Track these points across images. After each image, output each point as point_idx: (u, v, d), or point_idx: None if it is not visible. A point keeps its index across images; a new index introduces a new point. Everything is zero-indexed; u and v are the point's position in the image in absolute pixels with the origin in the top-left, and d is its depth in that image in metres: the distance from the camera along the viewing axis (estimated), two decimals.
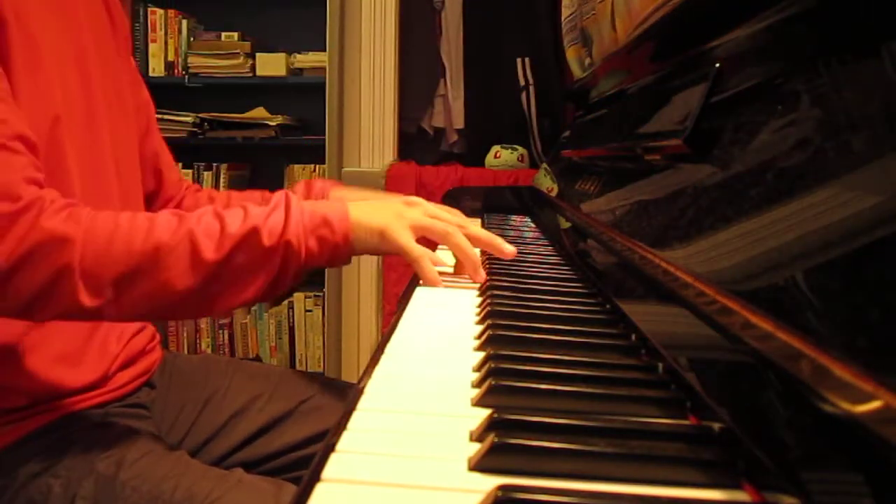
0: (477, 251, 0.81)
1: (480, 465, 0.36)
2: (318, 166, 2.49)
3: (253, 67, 2.50)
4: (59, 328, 0.77)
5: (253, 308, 2.56)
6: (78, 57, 0.80)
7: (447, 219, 0.80)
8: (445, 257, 0.84)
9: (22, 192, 0.63)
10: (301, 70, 2.48)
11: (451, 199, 1.68)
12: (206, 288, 0.68)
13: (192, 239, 0.67)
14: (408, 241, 0.75)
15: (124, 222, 0.67)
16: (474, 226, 0.82)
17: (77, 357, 0.79)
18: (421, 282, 0.77)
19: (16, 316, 0.67)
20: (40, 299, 0.64)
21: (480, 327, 0.62)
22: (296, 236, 0.70)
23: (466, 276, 0.81)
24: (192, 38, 2.55)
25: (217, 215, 0.70)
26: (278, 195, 0.74)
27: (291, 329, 2.54)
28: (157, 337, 0.96)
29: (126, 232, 0.66)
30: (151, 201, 1.04)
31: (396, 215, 0.76)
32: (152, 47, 2.53)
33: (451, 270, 0.82)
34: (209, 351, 2.58)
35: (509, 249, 0.83)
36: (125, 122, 0.90)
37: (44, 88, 0.73)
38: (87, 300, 0.64)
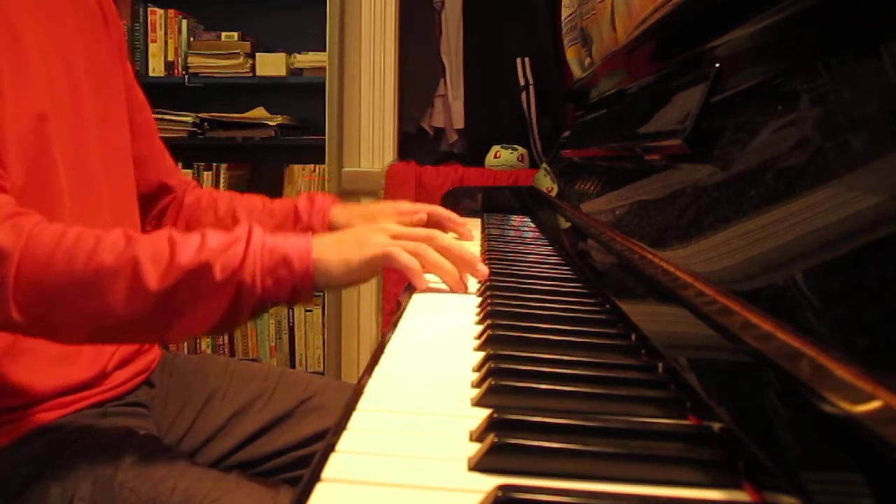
0: (476, 248, 0.79)
1: (480, 465, 0.36)
2: (318, 166, 2.49)
3: (253, 67, 2.50)
4: None
5: None
6: (64, 55, 0.80)
7: (413, 235, 0.76)
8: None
9: None
10: (301, 70, 2.48)
11: (451, 198, 1.68)
12: (150, 316, 0.65)
13: (136, 265, 0.64)
14: (374, 252, 0.72)
15: (69, 239, 0.64)
16: (444, 237, 0.78)
17: (73, 355, 0.79)
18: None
19: None
20: None
21: (480, 327, 0.62)
22: (251, 275, 0.66)
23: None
24: (192, 38, 2.54)
25: (170, 241, 0.66)
26: (241, 228, 0.70)
27: (291, 329, 2.54)
28: None
29: (69, 249, 0.63)
30: (154, 202, 1.04)
31: (358, 242, 0.73)
32: (152, 47, 2.52)
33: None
34: (209, 351, 2.57)
35: (483, 270, 0.78)
36: (114, 122, 0.90)
37: (29, 86, 0.73)
38: (18, 316, 0.62)
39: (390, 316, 1.19)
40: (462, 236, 1.06)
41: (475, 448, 0.38)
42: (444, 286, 0.77)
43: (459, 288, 0.76)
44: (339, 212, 1.03)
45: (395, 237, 0.75)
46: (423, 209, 1.06)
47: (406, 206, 1.06)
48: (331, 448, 0.38)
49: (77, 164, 0.80)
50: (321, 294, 2.43)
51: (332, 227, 0.98)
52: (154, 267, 0.64)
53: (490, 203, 1.66)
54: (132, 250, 0.65)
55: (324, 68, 2.26)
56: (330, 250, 0.71)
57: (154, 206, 1.04)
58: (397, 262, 0.72)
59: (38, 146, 0.73)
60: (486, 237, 1.14)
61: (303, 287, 0.69)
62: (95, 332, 0.67)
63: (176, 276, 0.64)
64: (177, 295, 0.65)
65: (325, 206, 1.03)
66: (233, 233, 0.69)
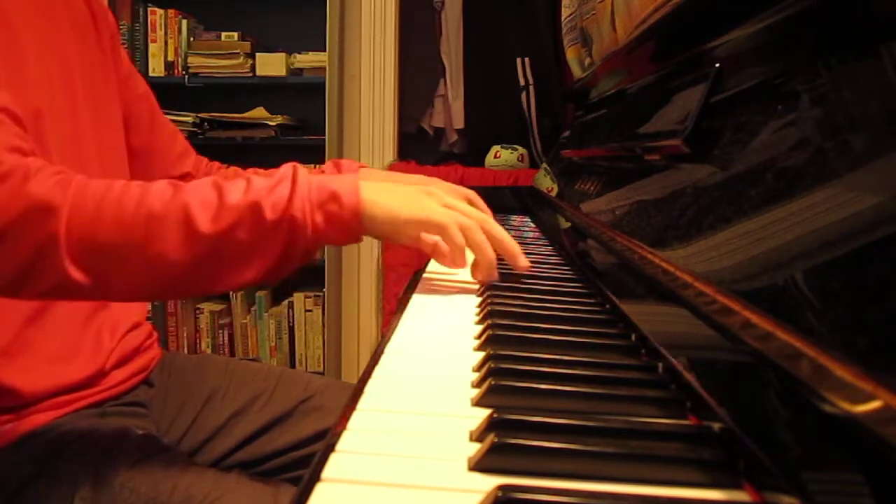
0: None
1: (480, 465, 0.36)
2: (318, 166, 2.49)
3: (253, 67, 2.50)
4: (52, 325, 0.77)
5: (252, 308, 2.57)
6: (59, 55, 0.80)
7: (467, 212, 0.74)
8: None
9: (3, 158, 0.60)
10: (301, 70, 2.48)
11: None
12: (204, 263, 0.63)
13: (186, 210, 0.62)
14: (429, 216, 0.70)
15: (116, 190, 0.63)
16: (495, 224, 0.75)
17: (71, 353, 0.79)
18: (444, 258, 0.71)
19: (2, 293, 0.63)
20: (26, 273, 0.60)
21: (480, 327, 0.62)
22: (301, 211, 0.65)
23: (472, 277, 0.77)
24: (192, 38, 2.55)
25: (216, 186, 0.65)
26: (285, 167, 0.69)
27: (291, 329, 2.54)
28: (154, 334, 0.96)
29: (116, 200, 0.62)
30: None
31: (411, 203, 0.71)
32: (152, 47, 2.53)
33: (452, 272, 0.82)
34: (209, 351, 2.57)
35: (524, 263, 0.76)
36: (108, 119, 0.90)
37: (25, 82, 0.73)
38: (75, 274, 0.60)
39: (390, 316, 1.19)
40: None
41: (475, 448, 0.38)
42: (444, 285, 0.77)
43: (492, 275, 0.75)
44: (366, 175, 1.02)
45: (449, 207, 0.73)
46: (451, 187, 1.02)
47: (432, 188, 1.05)
48: (331, 448, 0.38)
49: (73, 161, 0.80)
50: (321, 294, 2.43)
51: None
52: (204, 210, 0.63)
53: (490, 203, 1.65)
54: (181, 197, 0.63)
55: (324, 68, 2.26)
56: (379, 195, 0.69)
57: None
58: (449, 237, 0.70)
59: (36, 143, 0.73)
60: None
61: (352, 225, 0.67)
62: (151, 283, 0.65)
63: (227, 218, 0.63)
64: (230, 237, 0.63)
65: (351, 170, 1.02)
66: (278, 173, 0.68)
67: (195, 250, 0.62)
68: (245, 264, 0.65)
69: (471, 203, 1.01)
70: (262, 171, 1.05)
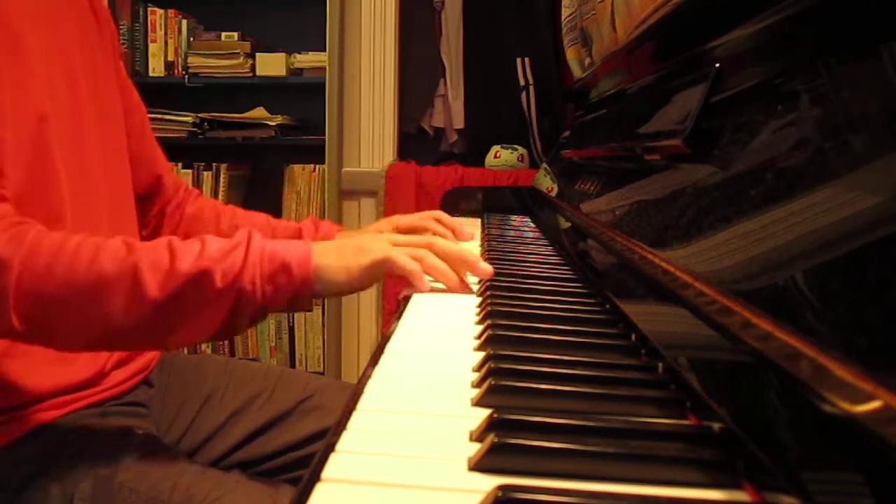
0: (476, 248, 0.79)
1: (480, 465, 0.36)
2: (318, 166, 2.49)
3: (253, 67, 2.50)
4: None
5: None
6: (64, 59, 0.80)
7: (413, 242, 0.76)
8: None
9: None
10: (301, 70, 2.48)
11: (451, 198, 1.68)
12: (150, 325, 0.65)
13: (136, 272, 0.64)
14: (374, 258, 0.71)
15: (69, 248, 0.64)
16: (443, 242, 0.77)
17: (71, 355, 0.79)
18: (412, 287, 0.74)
19: None
20: None
21: (480, 327, 0.62)
22: (251, 282, 0.66)
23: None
24: (191, 38, 2.54)
25: (170, 248, 0.66)
26: (241, 233, 0.69)
27: (291, 329, 2.54)
28: None
29: (69, 258, 0.64)
30: (149, 203, 1.04)
31: (357, 249, 0.72)
32: (152, 47, 2.52)
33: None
34: (209, 351, 2.57)
35: (485, 270, 0.76)
36: (112, 124, 0.90)
37: (29, 87, 0.73)
38: (20, 325, 0.62)
39: (390, 316, 1.19)
40: (459, 236, 1.05)
41: (475, 448, 0.38)
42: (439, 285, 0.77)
43: (463, 290, 0.75)
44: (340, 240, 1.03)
45: (395, 244, 0.74)
46: (420, 220, 1.05)
47: (402, 218, 1.07)
48: (331, 448, 0.38)
49: (77, 165, 0.80)
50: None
51: None
52: (154, 275, 0.64)
53: (490, 203, 1.66)
54: (132, 258, 0.65)
55: (324, 68, 2.26)
56: (330, 256, 0.71)
57: (150, 208, 1.04)
58: (398, 266, 0.72)
59: (39, 148, 0.73)
60: (487, 237, 1.14)
61: (303, 293, 0.69)
62: (96, 339, 0.67)
63: (176, 283, 0.64)
64: (177, 302, 0.65)
65: (329, 232, 1.03)
66: (232, 239, 0.69)
67: (142, 313, 0.64)
68: (191, 328, 0.67)
69: (438, 221, 1.04)
70: (240, 211, 1.07)
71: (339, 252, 0.72)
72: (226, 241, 0.68)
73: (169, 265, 0.65)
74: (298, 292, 0.69)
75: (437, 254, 0.75)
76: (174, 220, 1.05)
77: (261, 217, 1.07)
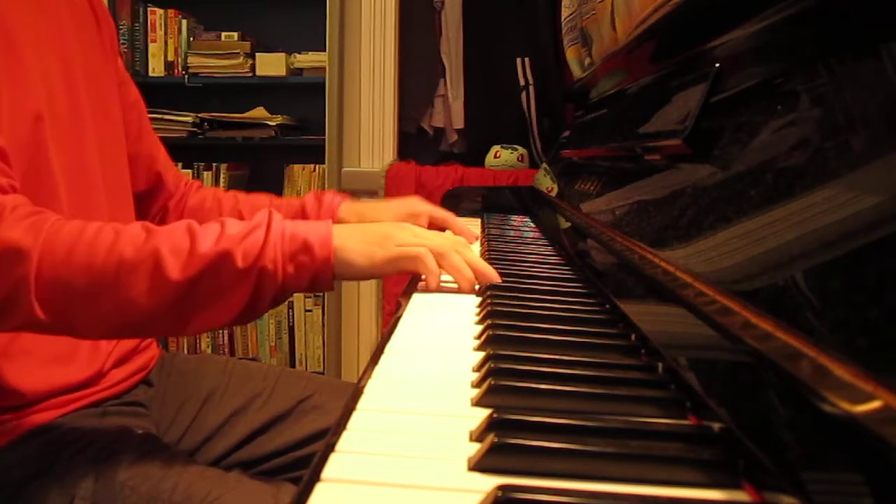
0: (477, 248, 0.78)
1: (480, 465, 0.36)
2: (317, 166, 2.49)
3: (253, 67, 2.50)
4: None
5: None
6: (61, 56, 0.80)
7: (440, 240, 0.75)
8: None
9: None
10: (301, 70, 2.48)
11: (451, 198, 1.68)
12: (173, 309, 0.64)
13: (157, 257, 0.63)
14: (403, 253, 0.72)
15: (89, 234, 0.64)
16: (468, 250, 0.77)
17: (70, 355, 0.79)
18: (423, 281, 0.75)
19: None
20: None
21: (480, 327, 0.62)
22: (272, 262, 0.66)
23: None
24: (191, 38, 2.54)
25: (189, 231, 0.66)
26: (261, 214, 0.69)
27: (291, 329, 2.54)
28: None
29: (88, 245, 0.63)
30: (150, 200, 1.04)
31: (383, 237, 0.72)
32: (152, 47, 2.52)
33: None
34: (209, 350, 2.57)
35: (495, 280, 0.75)
36: (110, 122, 0.90)
37: (25, 86, 0.73)
38: (42, 315, 0.62)
39: (390, 316, 1.19)
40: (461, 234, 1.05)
41: (475, 448, 0.38)
42: (444, 285, 0.77)
43: (471, 290, 0.75)
44: (348, 210, 1.03)
45: (422, 243, 0.74)
46: (430, 211, 1.06)
47: (417, 206, 1.06)
48: (331, 448, 0.38)
49: (74, 165, 0.80)
50: (321, 294, 2.43)
51: None
52: (175, 258, 0.64)
53: (490, 203, 1.66)
54: (152, 242, 0.64)
55: (324, 68, 2.25)
56: (352, 240, 0.71)
57: (151, 206, 1.04)
58: (424, 266, 0.72)
59: (35, 148, 0.73)
60: (487, 237, 1.14)
61: (324, 273, 0.69)
62: (118, 326, 0.66)
63: (198, 265, 0.64)
64: (199, 285, 0.64)
65: (332, 205, 1.02)
66: (252, 220, 0.68)
67: (164, 297, 0.63)
68: (213, 311, 0.66)
69: (436, 221, 1.05)
70: (241, 194, 1.06)
71: (363, 236, 0.71)
72: (245, 222, 0.68)
73: (189, 248, 0.64)
74: (319, 272, 0.68)
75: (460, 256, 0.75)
76: (177, 214, 1.04)
77: (263, 197, 1.06)
